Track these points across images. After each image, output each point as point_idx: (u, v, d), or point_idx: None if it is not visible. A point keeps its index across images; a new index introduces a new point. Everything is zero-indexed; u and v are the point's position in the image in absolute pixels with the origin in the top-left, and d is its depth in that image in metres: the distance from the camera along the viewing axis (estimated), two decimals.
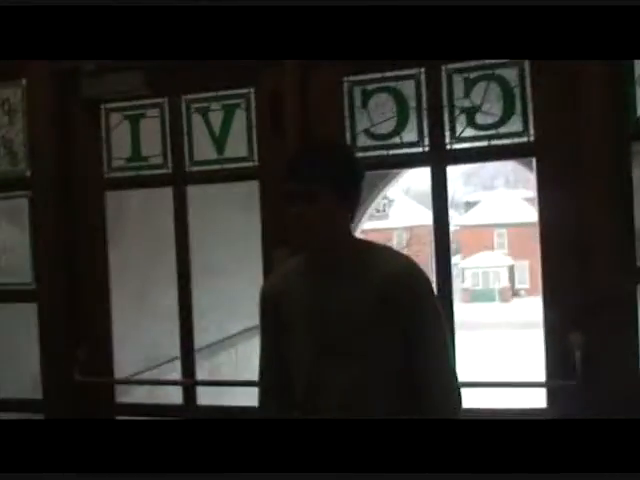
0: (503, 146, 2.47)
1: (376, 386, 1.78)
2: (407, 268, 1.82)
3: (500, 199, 33.49)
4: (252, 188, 2.69)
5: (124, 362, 3.03)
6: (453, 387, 1.80)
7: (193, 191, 2.81)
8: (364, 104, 2.59)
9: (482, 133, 2.48)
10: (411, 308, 1.77)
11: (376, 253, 1.86)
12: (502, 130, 2.46)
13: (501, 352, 17.40)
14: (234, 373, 5.15)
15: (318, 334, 1.81)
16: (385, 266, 1.80)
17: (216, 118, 2.75)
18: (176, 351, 2.88)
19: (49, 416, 2.84)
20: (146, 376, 3.98)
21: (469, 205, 35.16)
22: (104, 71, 2.76)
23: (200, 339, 2.87)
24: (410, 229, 31.33)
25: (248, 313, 4.75)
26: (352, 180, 1.86)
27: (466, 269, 30.73)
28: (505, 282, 30.49)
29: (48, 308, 2.86)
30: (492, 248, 31.98)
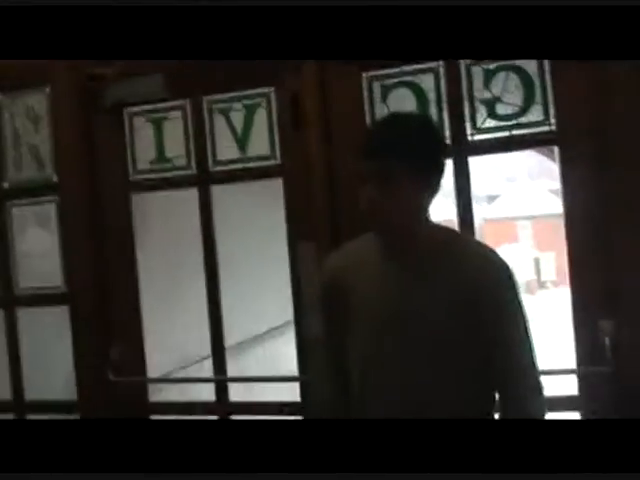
0: (525, 135, 2.47)
1: (448, 385, 1.66)
2: (495, 265, 1.69)
3: (522, 191, 33.23)
4: (276, 185, 2.71)
5: (156, 362, 3.07)
6: (539, 386, 1.70)
7: (217, 190, 2.84)
8: (384, 98, 2.60)
9: (503, 124, 2.48)
10: (497, 308, 1.65)
11: (457, 243, 1.73)
12: (523, 120, 2.46)
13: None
14: (262, 372, 5.18)
15: (387, 324, 1.69)
16: (468, 260, 1.67)
17: (238, 118, 2.78)
18: (206, 350, 2.91)
19: (83, 416, 2.88)
20: (178, 375, 4.03)
21: (491, 198, 34.91)
22: (126, 76, 2.81)
23: (228, 339, 2.90)
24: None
25: (275, 312, 4.79)
26: (433, 158, 1.69)
27: None
28: (531, 274, 30.26)
29: (79, 310, 2.90)
30: (516, 241, 31.75)
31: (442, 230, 1.76)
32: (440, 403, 1.66)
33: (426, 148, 1.68)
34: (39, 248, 3.11)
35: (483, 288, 1.66)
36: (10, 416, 3.01)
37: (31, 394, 3.04)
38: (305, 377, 2.61)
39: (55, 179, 2.97)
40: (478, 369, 1.68)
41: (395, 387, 1.69)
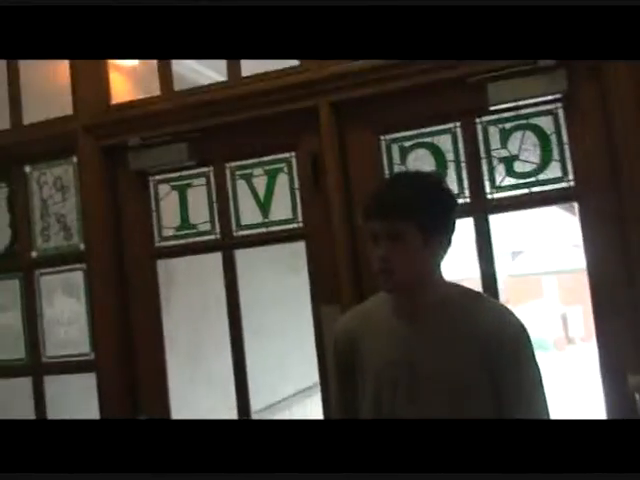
0: (544, 192, 2.49)
1: None
2: (508, 324, 1.67)
3: (546, 246, 33.04)
4: (299, 248, 2.74)
5: None
6: None
7: (241, 254, 2.87)
8: (402, 160, 2.64)
9: (522, 181, 2.50)
10: (512, 367, 1.63)
11: (471, 301, 1.72)
12: (542, 177, 2.48)
13: (561, 400, 16.90)
14: None
15: (399, 382, 1.68)
16: (483, 319, 1.66)
17: (260, 183, 2.83)
18: (233, 414, 2.90)
19: None
20: None
21: (515, 254, 34.71)
22: (150, 145, 2.88)
23: (255, 401, 2.89)
24: (458, 282, 30.88)
25: (300, 374, 4.76)
26: (442, 216, 1.70)
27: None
28: (559, 330, 29.81)
29: (106, 377, 2.92)
30: (541, 296, 31.41)
31: (455, 288, 1.76)
32: None
33: (434, 206, 1.67)
34: (67, 316, 3.14)
35: (498, 347, 1.64)
36: None
37: None
38: None
39: (82, 247, 3.02)
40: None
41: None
